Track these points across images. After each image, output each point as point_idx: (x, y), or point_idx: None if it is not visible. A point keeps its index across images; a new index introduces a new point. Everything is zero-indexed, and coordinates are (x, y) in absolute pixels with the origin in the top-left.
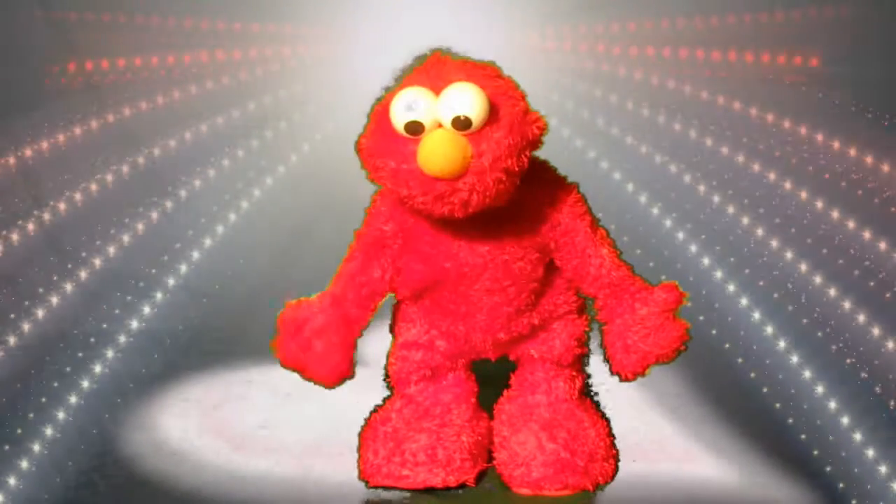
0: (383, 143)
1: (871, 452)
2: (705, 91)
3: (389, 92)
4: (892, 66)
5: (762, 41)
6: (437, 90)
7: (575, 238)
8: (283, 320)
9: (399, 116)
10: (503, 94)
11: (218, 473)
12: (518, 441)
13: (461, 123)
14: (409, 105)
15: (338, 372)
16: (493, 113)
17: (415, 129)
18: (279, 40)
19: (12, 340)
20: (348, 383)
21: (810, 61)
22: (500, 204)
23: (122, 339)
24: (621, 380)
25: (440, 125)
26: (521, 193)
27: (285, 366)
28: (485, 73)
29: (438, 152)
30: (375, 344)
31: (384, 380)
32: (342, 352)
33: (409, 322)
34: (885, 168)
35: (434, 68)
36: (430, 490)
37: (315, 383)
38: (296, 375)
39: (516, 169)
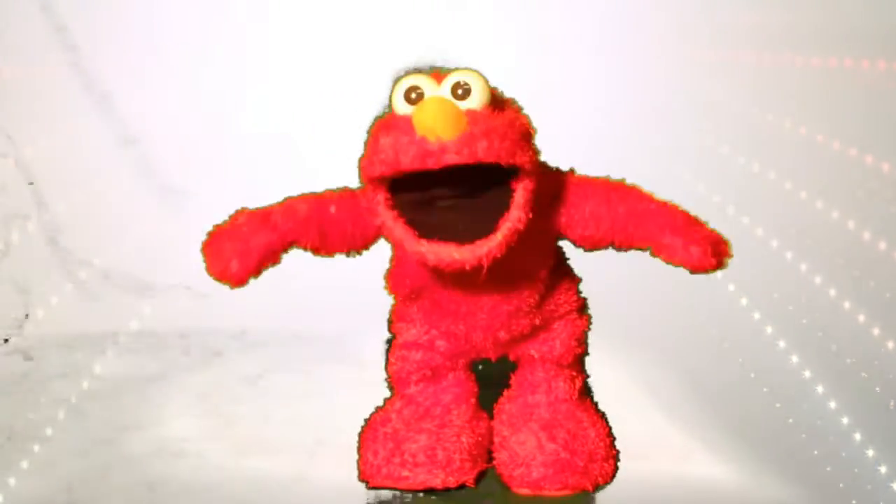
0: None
1: (871, 452)
2: (706, 91)
3: (386, 113)
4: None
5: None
6: (439, 81)
7: (598, 221)
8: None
9: (400, 92)
10: (504, 100)
11: (218, 473)
12: (518, 441)
13: (460, 89)
14: (411, 83)
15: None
16: (492, 103)
17: (415, 97)
18: None
19: (12, 340)
20: (348, 383)
21: (810, 61)
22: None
23: (122, 339)
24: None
25: None
26: None
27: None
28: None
29: (430, 107)
30: (375, 344)
31: (384, 380)
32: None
33: (409, 322)
34: (885, 168)
35: (434, 73)
36: (429, 491)
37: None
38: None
39: (505, 149)
